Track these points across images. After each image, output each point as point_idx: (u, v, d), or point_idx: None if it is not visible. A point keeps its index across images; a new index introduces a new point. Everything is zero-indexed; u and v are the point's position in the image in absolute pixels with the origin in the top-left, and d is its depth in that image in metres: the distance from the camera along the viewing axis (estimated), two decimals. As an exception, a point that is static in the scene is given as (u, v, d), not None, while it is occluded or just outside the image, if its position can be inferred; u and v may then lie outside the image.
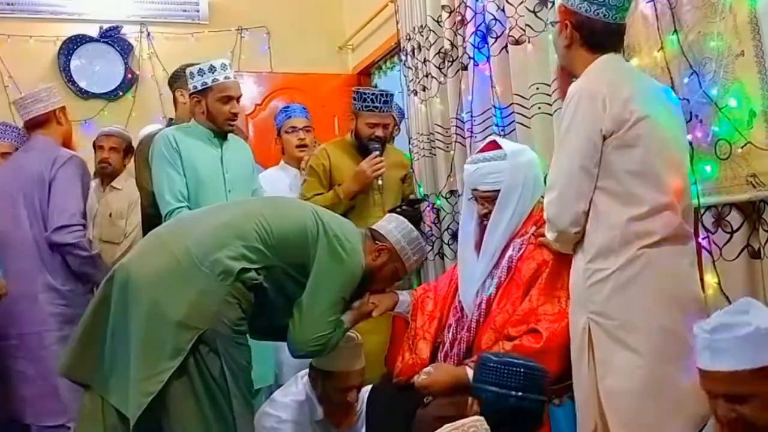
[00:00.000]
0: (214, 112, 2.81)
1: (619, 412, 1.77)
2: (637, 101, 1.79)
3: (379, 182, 3.03)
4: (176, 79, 3.25)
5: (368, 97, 3.02)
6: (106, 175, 3.78)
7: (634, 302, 1.76)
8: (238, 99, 2.87)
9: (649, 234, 1.76)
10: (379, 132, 3.04)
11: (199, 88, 2.80)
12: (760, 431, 1.38)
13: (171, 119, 3.33)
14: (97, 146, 3.83)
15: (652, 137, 1.78)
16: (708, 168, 1.96)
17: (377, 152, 3.01)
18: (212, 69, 2.79)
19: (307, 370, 2.51)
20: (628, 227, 1.77)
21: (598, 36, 1.88)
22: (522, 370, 1.73)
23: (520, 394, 1.71)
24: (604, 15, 1.86)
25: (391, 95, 3.10)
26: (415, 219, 3.11)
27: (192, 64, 2.90)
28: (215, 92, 2.79)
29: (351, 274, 2.16)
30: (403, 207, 3.01)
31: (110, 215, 3.67)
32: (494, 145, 2.24)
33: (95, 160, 3.80)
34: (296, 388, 2.50)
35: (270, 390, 2.88)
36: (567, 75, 2.03)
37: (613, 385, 1.78)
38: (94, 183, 3.63)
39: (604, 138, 1.78)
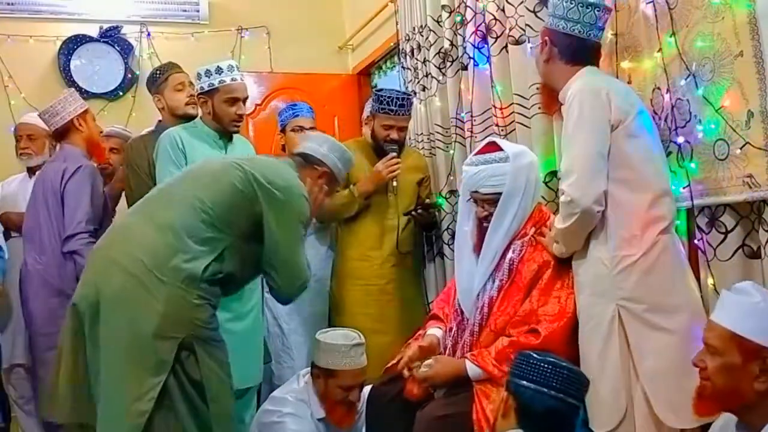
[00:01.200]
0: (220, 114, 2.82)
1: (661, 392, 1.84)
2: (632, 96, 1.97)
3: (394, 184, 3.04)
4: (151, 84, 3.25)
5: (384, 99, 3.02)
6: (108, 176, 3.76)
7: (659, 285, 1.86)
8: (244, 101, 2.88)
9: (662, 219, 1.89)
10: (393, 135, 3.03)
11: (206, 89, 2.81)
12: (718, 394, 1.48)
13: (159, 121, 3.32)
14: None
15: (649, 129, 1.94)
16: (705, 168, 1.97)
17: (394, 153, 3.02)
18: (219, 70, 2.80)
19: (309, 368, 2.52)
20: (647, 213, 1.88)
21: (574, 50, 2.06)
22: (565, 372, 1.72)
23: (560, 395, 1.69)
24: (579, 31, 2.05)
25: (409, 98, 3.09)
26: (430, 223, 3.14)
27: (162, 68, 3.01)
28: (222, 93, 2.80)
29: (299, 212, 2.11)
30: (419, 210, 3.02)
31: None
32: (493, 147, 2.23)
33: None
34: (297, 385, 2.51)
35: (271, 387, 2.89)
36: (549, 91, 2.20)
37: (652, 366, 1.85)
38: None
39: (612, 128, 1.89)
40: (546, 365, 1.71)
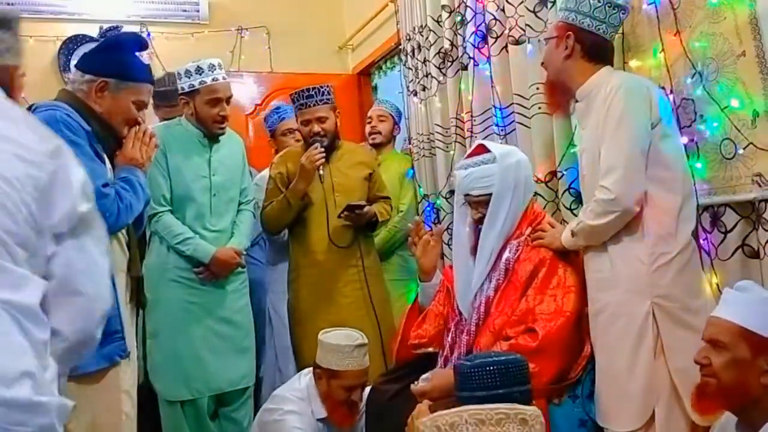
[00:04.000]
0: (202, 115, 2.78)
1: (685, 388, 1.80)
2: (664, 97, 1.98)
3: (320, 172, 2.89)
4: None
5: (294, 96, 2.97)
6: None
7: (689, 285, 1.88)
8: (228, 100, 2.82)
9: (691, 219, 1.91)
10: (314, 127, 2.94)
11: (186, 90, 2.77)
12: (723, 391, 1.47)
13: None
14: None
15: (676, 130, 1.98)
16: (711, 168, 1.97)
17: (317, 144, 2.90)
18: (199, 70, 2.76)
19: (311, 368, 2.52)
20: (680, 212, 1.89)
21: (597, 49, 2.05)
22: (495, 367, 1.71)
23: (506, 390, 1.68)
24: (603, 31, 2.05)
25: (321, 88, 2.97)
26: (367, 223, 3.03)
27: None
28: (203, 95, 2.76)
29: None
30: (345, 213, 2.90)
31: None
32: (482, 149, 2.23)
33: None
34: (299, 384, 2.51)
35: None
36: (560, 88, 2.14)
37: (683, 365, 1.82)
38: None
39: (652, 126, 1.90)
40: (477, 369, 1.71)
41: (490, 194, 2.15)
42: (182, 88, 2.78)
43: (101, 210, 1.64)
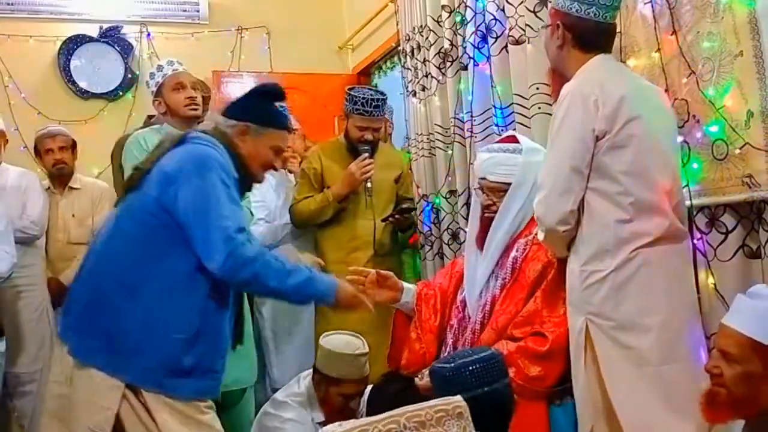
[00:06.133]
0: (172, 105, 2.83)
1: (625, 410, 1.77)
2: (629, 101, 1.80)
3: (368, 185, 3.00)
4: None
5: (359, 100, 3.00)
6: (64, 176, 3.65)
7: (630, 303, 1.77)
8: (193, 87, 2.88)
9: (643, 234, 1.77)
10: (368, 135, 3.01)
11: (155, 89, 2.85)
12: (734, 402, 1.43)
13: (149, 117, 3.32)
14: (44, 150, 3.65)
15: (644, 137, 1.79)
16: (704, 168, 1.96)
17: (366, 154, 2.98)
18: (160, 68, 2.88)
19: (311, 370, 2.52)
20: (622, 227, 1.78)
21: (589, 36, 1.91)
22: (475, 366, 1.65)
23: (488, 387, 1.64)
24: (595, 14, 1.89)
25: (384, 100, 3.05)
26: (407, 227, 3.09)
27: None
28: (167, 85, 2.83)
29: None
30: (396, 216, 2.98)
31: (73, 216, 3.59)
32: (512, 139, 2.22)
33: (46, 164, 3.68)
34: (298, 388, 2.51)
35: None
36: (559, 77, 2.05)
37: (616, 385, 1.78)
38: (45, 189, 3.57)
39: (597, 139, 1.79)
40: (456, 372, 1.65)
41: (507, 184, 2.13)
42: (153, 92, 2.86)
43: (226, 252, 1.79)
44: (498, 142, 2.27)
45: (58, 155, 3.63)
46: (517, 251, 2.15)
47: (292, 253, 2.94)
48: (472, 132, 2.98)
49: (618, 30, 2.19)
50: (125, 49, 4.69)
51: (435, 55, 3.29)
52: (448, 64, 3.17)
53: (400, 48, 3.70)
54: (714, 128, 1.91)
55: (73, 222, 3.59)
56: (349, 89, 3.09)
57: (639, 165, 1.78)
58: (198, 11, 4.84)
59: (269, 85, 2.25)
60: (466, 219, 2.85)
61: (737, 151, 1.84)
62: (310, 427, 2.41)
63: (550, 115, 2.49)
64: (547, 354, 1.97)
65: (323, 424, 2.42)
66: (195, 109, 2.84)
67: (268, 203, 3.21)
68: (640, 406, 1.75)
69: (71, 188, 3.67)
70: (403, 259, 3.43)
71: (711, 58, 1.91)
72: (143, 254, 1.91)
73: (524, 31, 2.60)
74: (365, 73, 4.95)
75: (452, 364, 1.67)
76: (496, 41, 2.79)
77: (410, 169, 3.47)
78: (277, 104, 2.13)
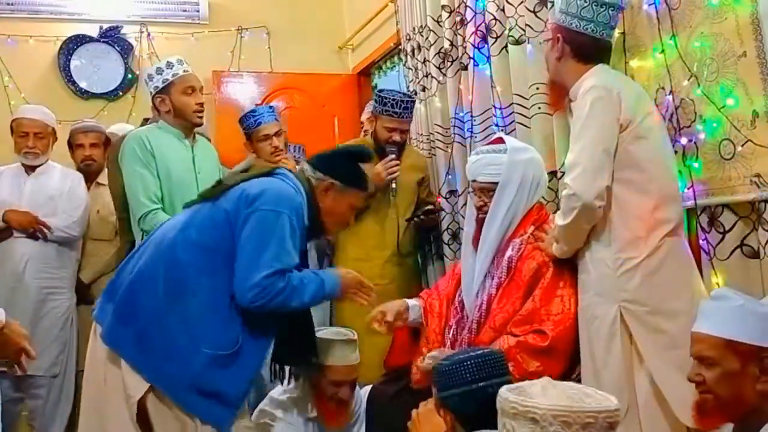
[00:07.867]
0: (180, 107, 2.79)
1: (675, 392, 1.82)
2: (644, 98, 1.96)
3: (393, 186, 3.03)
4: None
5: (389, 101, 3.01)
6: (92, 173, 3.61)
7: (662, 288, 1.87)
8: (200, 90, 2.87)
9: (668, 222, 1.89)
10: (396, 137, 3.03)
11: (161, 86, 2.79)
12: (722, 405, 1.46)
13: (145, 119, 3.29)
14: (75, 144, 3.63)
15: (658, 131, 1.94)
16: (709, 168, 1.97)
17: (393, 156, 3.01)
18: (170, 65, 2.80)
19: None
20: (652, 215, 1.88)
21: (587, 49, 2.04)
22: (472, 361, 1.66)
23: (483, 383, 1.63)
24: (593, 30, 2.02)
25: (412, 102, 3.08)
26: (431, 227, 3.13)
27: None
28: (177, 86, 2.78)
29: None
30: (420, 217, 3.02)
31: (98, 212, 3.54)
32: (500, 141, 2.27)
33: (76, 159, 3.65)
34: (293, 383, 2.51)
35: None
36: (558, 88, 2.19)
37: (659, 368, 1.85)
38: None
39: (621, 128, 1.89)
40: (455, 366, 1.66)
41: (495, 183, 2.16)
42: (156, 87, 2.80)
43: (261, 286, 1.92)
44: (487, 144, 2.31)
45: (88, 151, 3.60)
46: (512, 250, 2.16)
47: None
48: (472, 132, 2.98)
49: (622, 31, 2.23)
50: (125, 49, 4.69)
51: (435, 55, 3.29)
52: (448, 64, 3.17)
53: (400, 48, 3.71)
54: (718, 128, 1.92)
55: (96, 218, 3.54)
56: (379, 91, 3.11)
57: (659, 154, 1.92)
58: (198, 11, 4.83)
59: (358, 147, 2.34)
60: (466, 219, 2.85)
61: (744, 150, 1.84)
62: (300, 427, 2.42)
63: (551, 115, 2.50)
64: (547, 349, 1.99)
65: (315, 419, 2.44)
66: (202, 117, 2.85)
67: None
68: (680, 382, 1.76)
69: (98, 184, 3.62)
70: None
71: (714, 58, 1.92)
72: (199, 264, 1.97)
73: (524, 31, 2.60)
74: (365, 73, 4.94)
75: (450, 360, 1.70)
76: (496, 41, 2.79)
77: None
78: (361, 165, 2.21)
